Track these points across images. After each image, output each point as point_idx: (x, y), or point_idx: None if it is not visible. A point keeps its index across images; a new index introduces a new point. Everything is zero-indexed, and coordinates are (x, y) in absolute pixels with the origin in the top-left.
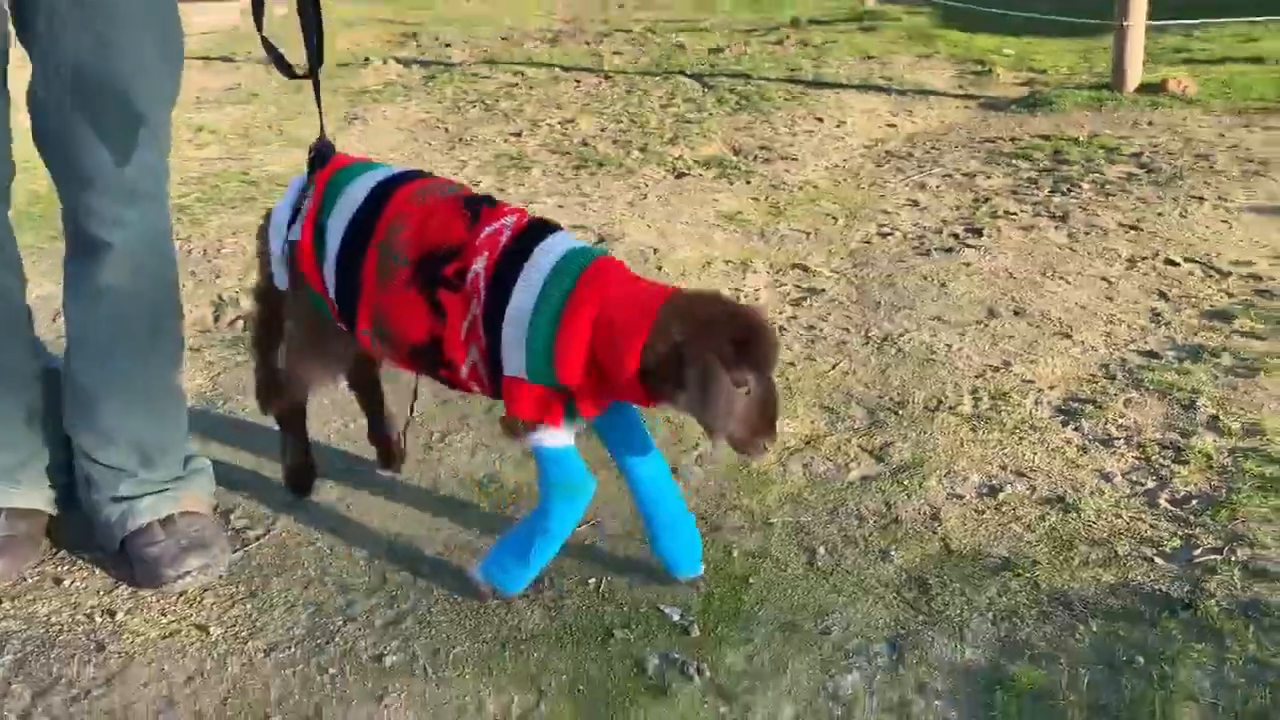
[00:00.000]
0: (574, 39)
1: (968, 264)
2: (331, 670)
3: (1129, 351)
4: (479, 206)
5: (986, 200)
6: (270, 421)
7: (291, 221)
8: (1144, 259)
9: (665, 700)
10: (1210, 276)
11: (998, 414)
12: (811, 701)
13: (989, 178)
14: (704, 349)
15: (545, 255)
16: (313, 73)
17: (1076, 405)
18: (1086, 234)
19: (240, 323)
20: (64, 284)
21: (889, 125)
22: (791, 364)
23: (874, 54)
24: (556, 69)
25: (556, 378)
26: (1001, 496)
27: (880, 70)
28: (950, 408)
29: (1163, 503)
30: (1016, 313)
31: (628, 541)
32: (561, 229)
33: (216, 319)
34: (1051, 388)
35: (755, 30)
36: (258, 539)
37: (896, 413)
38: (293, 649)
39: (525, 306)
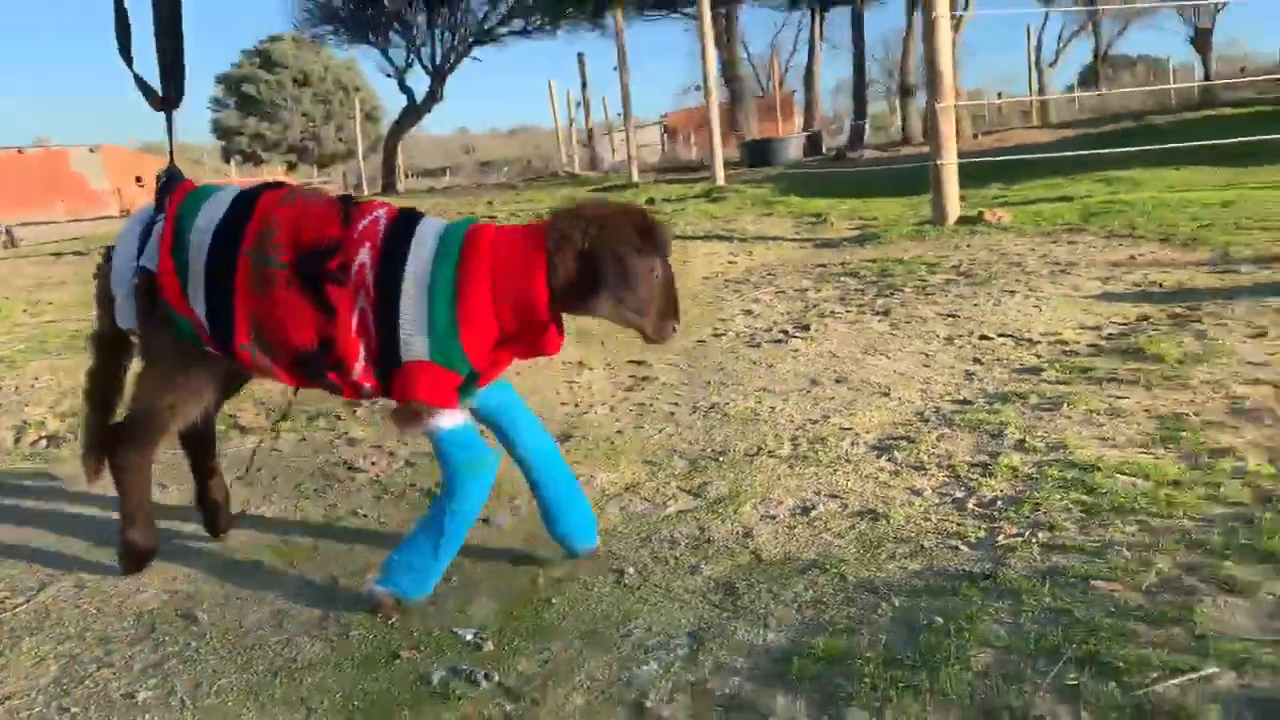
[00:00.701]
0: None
1: (795, 350)
2: (74, 709)
3: (943, 402)
4: (348, 203)
5: (815, 306)
6: (52, 495)
7: (140, 251)
8: (960, 337)
9: (448, 705)
10: (1021, 345)
11: (815, 454)
12: (605, 691)
13: (819, 290)
14: (614, 243)
15: (425, 238)
16: (167, 105)
17: (891, 442)
18: (907, 323)
19: (43, 442)
20: None
21: (729, 262)
22: (619, 432)
23: (719, 215)
24: None
25: (464, 350)
26: (814, 514)
27: (725, 225)
28: (769, 452)
29: (970, 506)
30: (838, 381)
31: None
32: (426, 215)
33: (17, 441)
34: (868, 432)
35: None
36: (16, 607)
37: (717, 460)
38: (33, 696)
39: (420, 290)
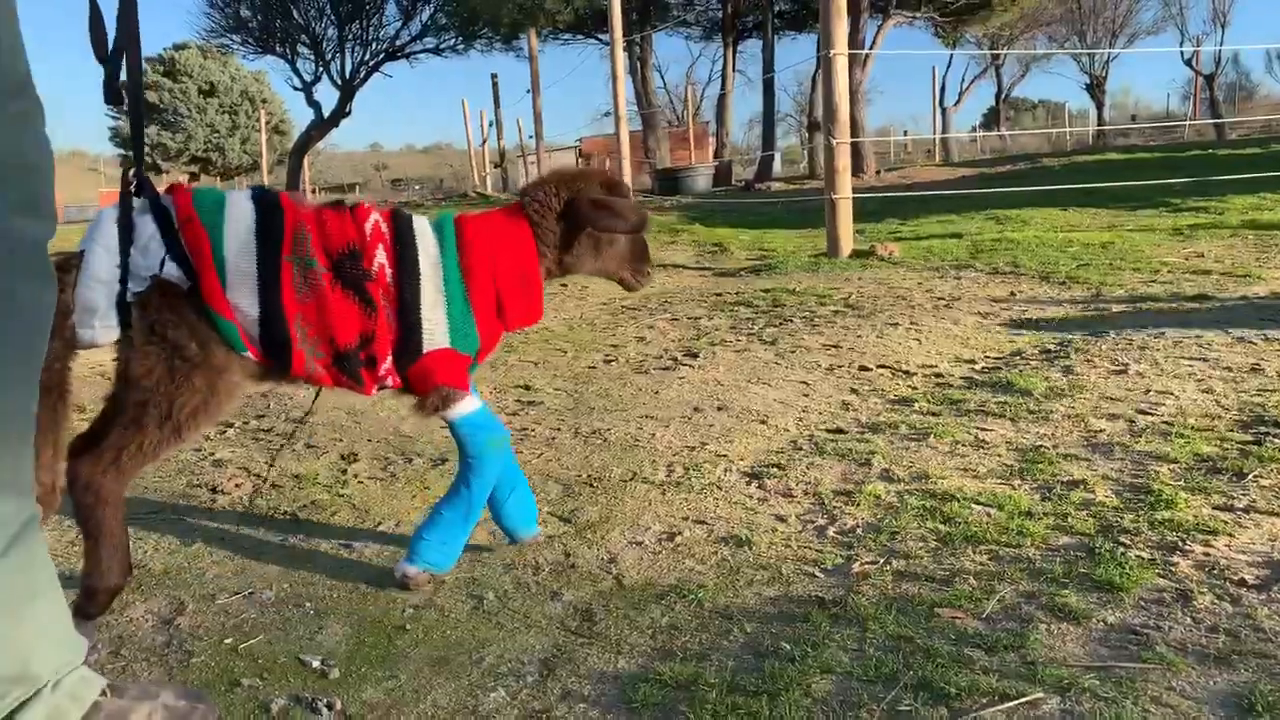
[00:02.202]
0: None
1: (683, 377)
2: None
3: (818, 430)
4: (346, 208)
5: (707, 334)
6: None
7: (124, 258)
8: (841, 367)
9: None
10: (898, 376)
11: (688, 480)
12: (451, 717)
13: (711, 319)
14: (586, 193)
15: (425, 234)
16: (134, 102)
17: (763, 469)
18: (792, 352)
19: None
20: None
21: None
22: None
23: None
24: None
25: (478, 327)
26: (679, 540)
27: None
28: (644, 478)
29: (831, 533)
30: (720, 408)
31: (281, 606)
32: (410, 214)
33: None
34: (742, 459)
35: None
36: None
37: (592, 485)
38: None
39: (436, 282)
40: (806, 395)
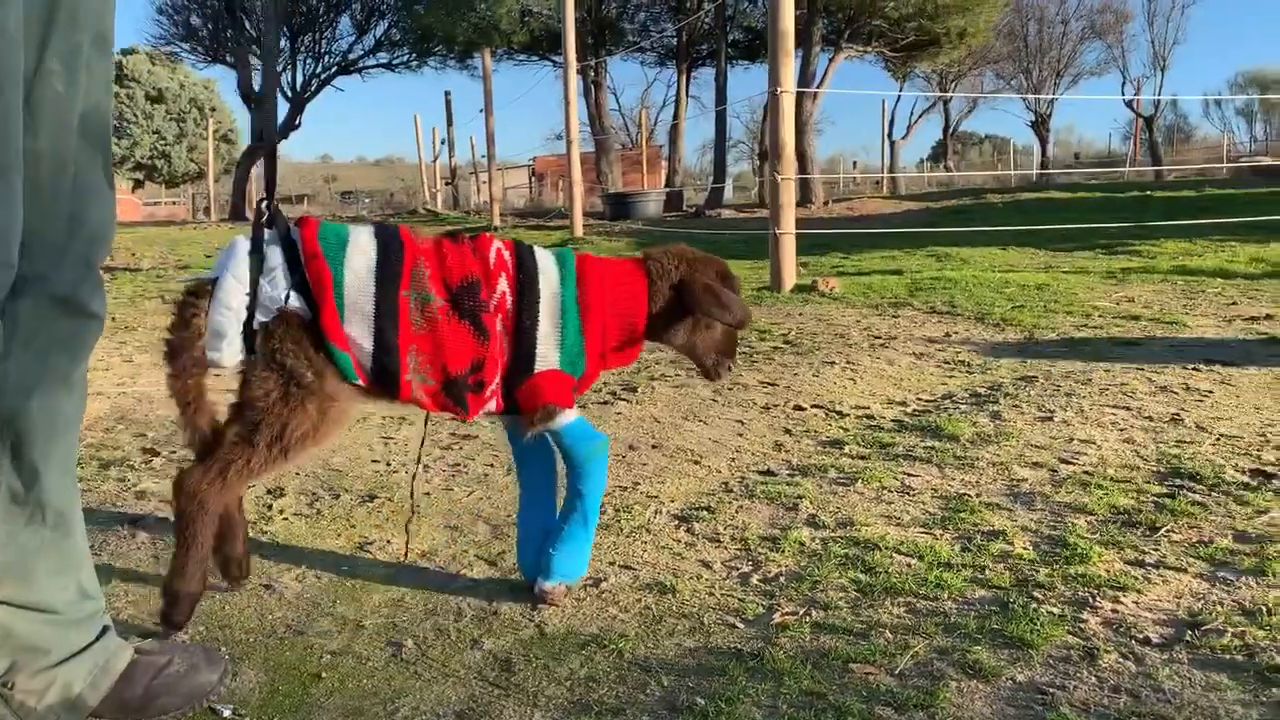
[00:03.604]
0: None
1: (619, 413)
2: None
3: (749, 472)
4: (466, 240)
5: (646, 368)
6: None
7: (254, 288)
8: (776, 406)
9: None
10: (831, 417)
11: (618, 522)
12: None
13: (652, 352)
14: (703, 277)
15: (546, 267)
16: (270, 143)
17: (692, 512)
18: (730, 389)
19: None
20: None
21: None
22: (427, 494)
23: None
24: None
25: (586, 359)
26: (604, 586)
27: None
28: None
29: (755, 581)
30: (654, 447)
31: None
32: (532, 245)
33: None
34: (673, 500)
35: None
36: None
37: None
38: None
39: (554, 311)
40: (741, 435)
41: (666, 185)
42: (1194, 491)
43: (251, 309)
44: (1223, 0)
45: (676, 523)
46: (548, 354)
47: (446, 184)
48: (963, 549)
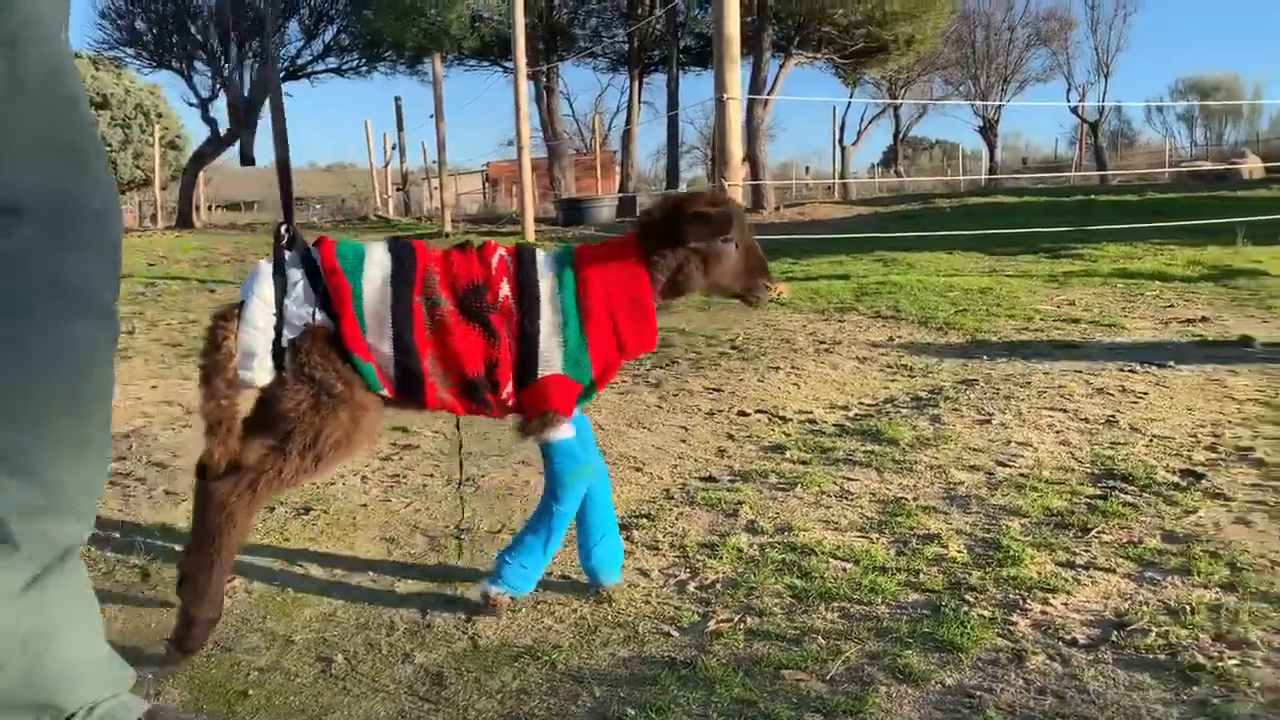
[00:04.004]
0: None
1: None
2: None
3: (691, 479)
4: (472, 247)
5: None
6: None
7: (279, 307)
8: (721, 411)
9: None
10: (774, 422)
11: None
12: None
13: None
14: (688, 209)
15: (544, 268)
16: (282, 167)
17: (633, 520)
18: (675, 395)
19: None
20: None
21: None
22: (364, 505)
23: None
24: (193, 282)
25: (590, 361)
26: (540, 596)
27: None
28: (513, 530)
29: (691, 589)
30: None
31: None
32: (534, 248)
33: None
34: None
35: None
36: None
37: (459, 538)
38: None
39: (554, 312)
40: (684, 441)
41: (620, 191)
42: (1126, 492)
43: (279, 327)
44: (1163, 8)
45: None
46: (551, 358)
47: (398, 190)
48: (898, 553)
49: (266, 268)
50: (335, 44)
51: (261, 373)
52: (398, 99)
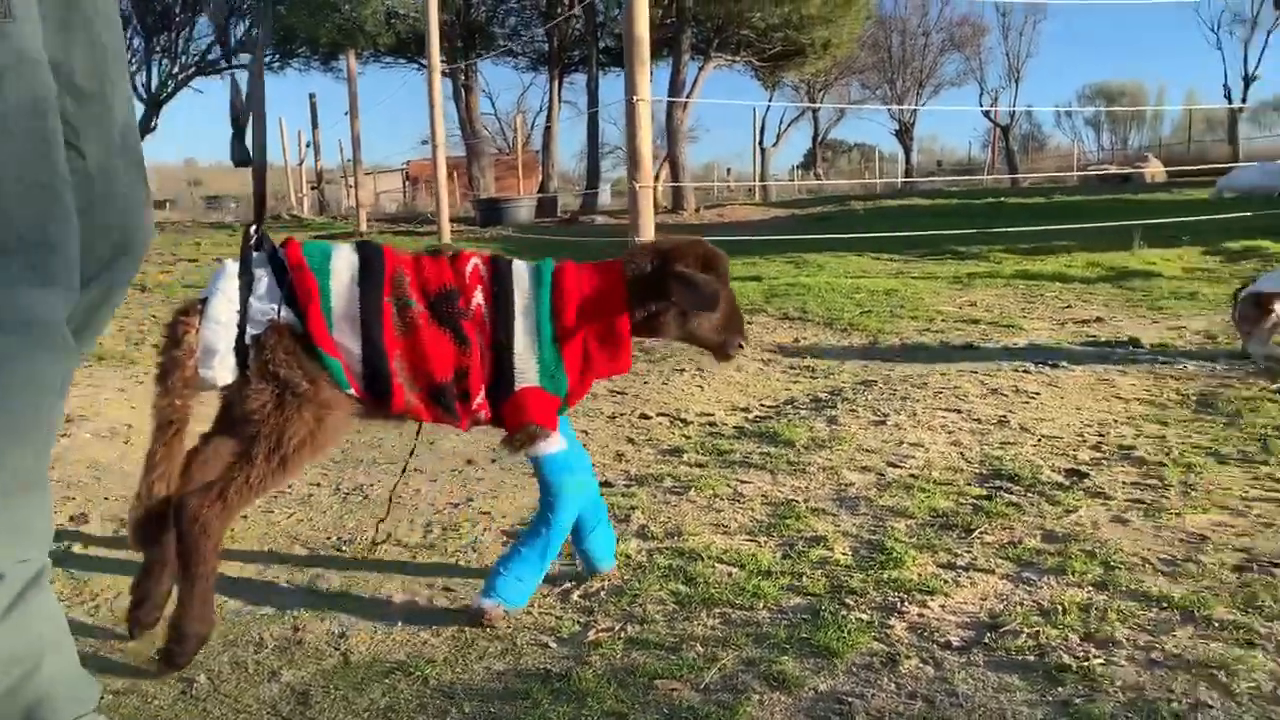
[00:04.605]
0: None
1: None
2: None
3: None
4: (446, 254)
5: None
6: None
7: (244, 304)
8: (623, 415)
9: None
10: (675, 425)
11: (443, 542)
12: None
13: None
14: (680, 265)
15: (521, 278)
16: (258, 168)
17: (522, 528)
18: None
19: None
20: None
21: None
22: (245, 517)
23: None
24: None
25: (566, 372)
26: (419, 609)
27: None
28: (398, 540)
29: (575, 598)
30: (493, 460)
31: None
32: (510, 258)
33: None
34: (504, 517)
35: None
36: None
37: (340, 550)
38: None
39: (529, 323)
40: (584, 445)
41: (540, 191)
42: (1011, 492)
43: (242, 325)
44: (1070, 16)
45: (505, 540)
46: (526, 370)
47: (313, 188)
48: (784, 556)
49: (233, 266)
50: (248, 39)
51: (223, 371)
52: (312, 96)
